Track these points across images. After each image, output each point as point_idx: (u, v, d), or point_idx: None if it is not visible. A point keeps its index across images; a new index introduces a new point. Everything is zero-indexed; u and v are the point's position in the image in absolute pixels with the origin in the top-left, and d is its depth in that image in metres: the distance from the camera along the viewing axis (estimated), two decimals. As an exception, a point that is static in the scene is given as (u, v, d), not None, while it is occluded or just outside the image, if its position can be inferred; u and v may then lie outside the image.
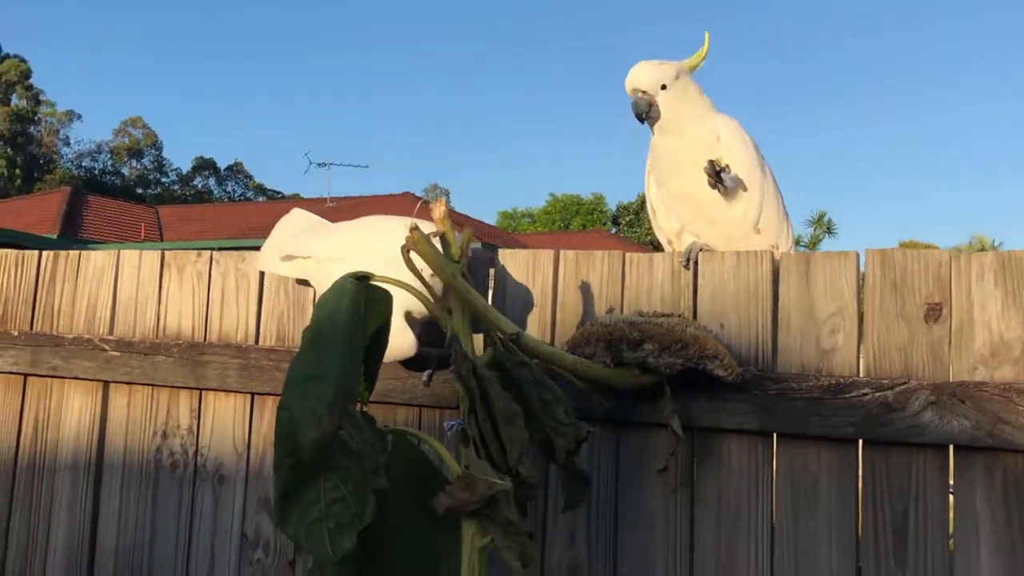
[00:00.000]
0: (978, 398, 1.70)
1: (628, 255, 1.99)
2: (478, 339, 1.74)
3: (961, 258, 1.77)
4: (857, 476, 1.80)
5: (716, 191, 1.99)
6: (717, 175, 1.96)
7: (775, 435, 1.84)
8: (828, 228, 25.82)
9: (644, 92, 2.01)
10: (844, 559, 1.78)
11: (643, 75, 2.01)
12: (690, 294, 1.93)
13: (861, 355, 1.82)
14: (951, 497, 1.75)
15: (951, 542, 1.74)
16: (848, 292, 1.84)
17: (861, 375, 1.81)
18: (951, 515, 1.75)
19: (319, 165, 22.61)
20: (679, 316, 1.84)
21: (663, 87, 2.01)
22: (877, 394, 1.75)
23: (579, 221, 37.74)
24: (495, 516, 1.63)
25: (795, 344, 1.85)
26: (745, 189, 2.01)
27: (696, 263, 1.93)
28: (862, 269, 1.85)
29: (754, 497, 1.85)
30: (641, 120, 2.05)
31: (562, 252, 2.02)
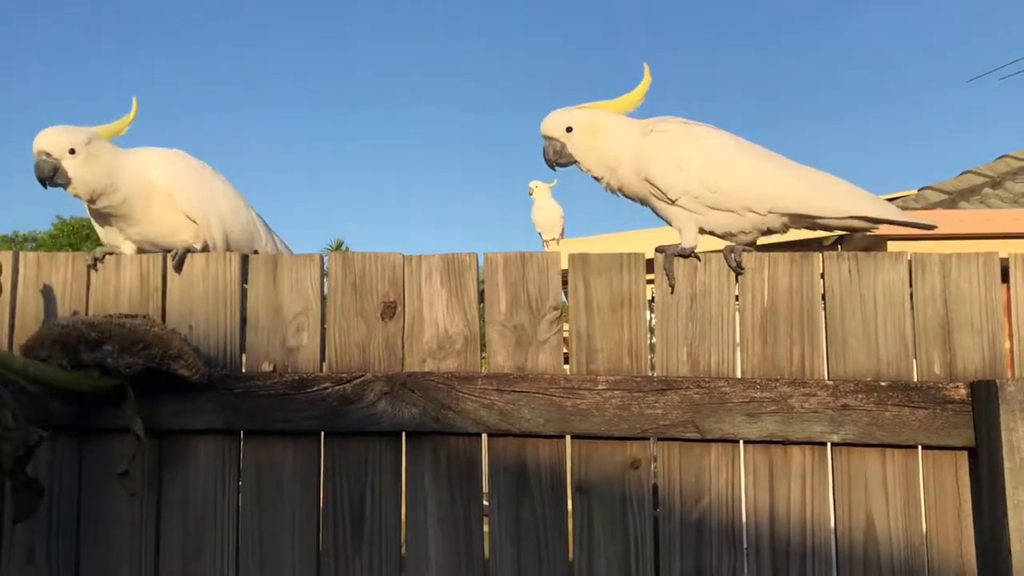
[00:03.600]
0: (426, 387, 1.94)
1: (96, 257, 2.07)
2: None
3: (413, 260, 2.02)
4: (319, 467, 1.98)
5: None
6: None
7: (242, 433, 1.98)
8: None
9: (48, 155, 2.09)
10: (306, 547, 1.96)
11: (48, 139, 2.08)
12: (159, 296, 2.04)
13: (325, 351, 2.02)
14: (404, 480, 1.97)
15: (403, 521, 1.97)
16: (312, 292, 2.03)
17: (325, 371, 2.00)
18: (403, 497, 1.97)
19: None
20: (144, 317, 1.94)
21: (71, 151, 2.09)
22: (337, 387, 1.95)
23: (91, 246, 36.73)
24: (-71, 530, 1.62)
25: (262, 343, 2.02)
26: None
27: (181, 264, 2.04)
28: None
29: (220, 496, 1.98)
30: (44, 184, 2.11)
31: (22, 253, 2.06)
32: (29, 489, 1.82)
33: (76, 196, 2.14)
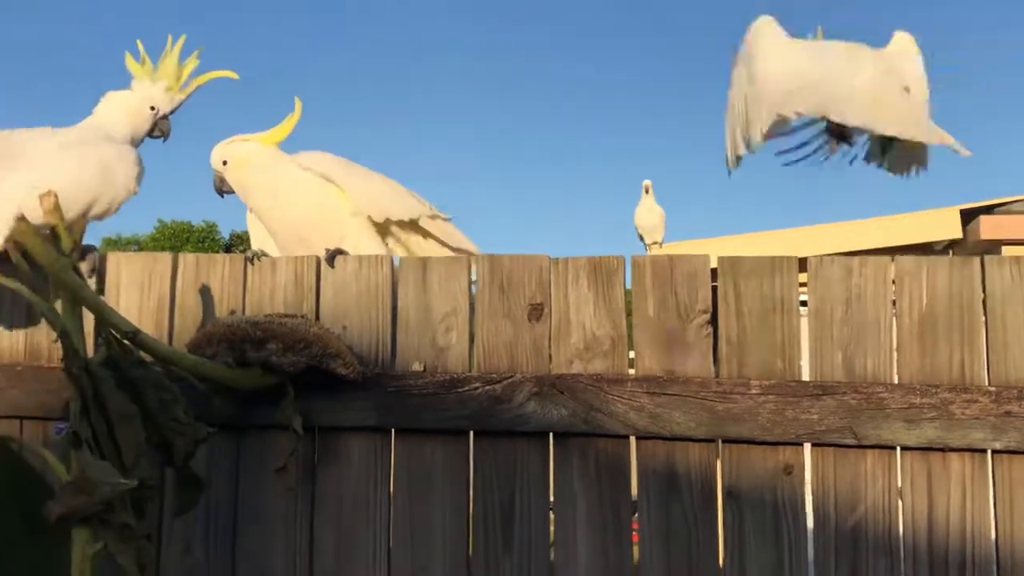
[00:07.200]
0: (575, 389, 2.02)
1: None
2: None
3: (559, 262, 2.11)
4: (469, 466, 2.08)
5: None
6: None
7: (393, 431, 2.09)
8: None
9: (215, 169, 2.39)
10: (457, 546, 2.05)
11: (212, 154, 2.37)
12: (313, 297, 2.15)
13: (473, 352, 2.11)
14: (552, 481, 2.06)
15: (552, 522, 2.05)
16: (461, 294, 2.12)
17: (473, 371, 2.10)
18: (551, 497, 2.06)
19: None
20: (303, 317, 2.06)
21: (224, 163, 2.38)
22: (487, 388, 2.04)
23: (190, 249, 37.85)
24: (111, 520, 1.74)
25: (413, 343, 2.12)
26: None
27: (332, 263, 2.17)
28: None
29: (372, 493, 2.08)
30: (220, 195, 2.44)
31: (182, 255, 2.19)
32: (191, 483, 1.95)
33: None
